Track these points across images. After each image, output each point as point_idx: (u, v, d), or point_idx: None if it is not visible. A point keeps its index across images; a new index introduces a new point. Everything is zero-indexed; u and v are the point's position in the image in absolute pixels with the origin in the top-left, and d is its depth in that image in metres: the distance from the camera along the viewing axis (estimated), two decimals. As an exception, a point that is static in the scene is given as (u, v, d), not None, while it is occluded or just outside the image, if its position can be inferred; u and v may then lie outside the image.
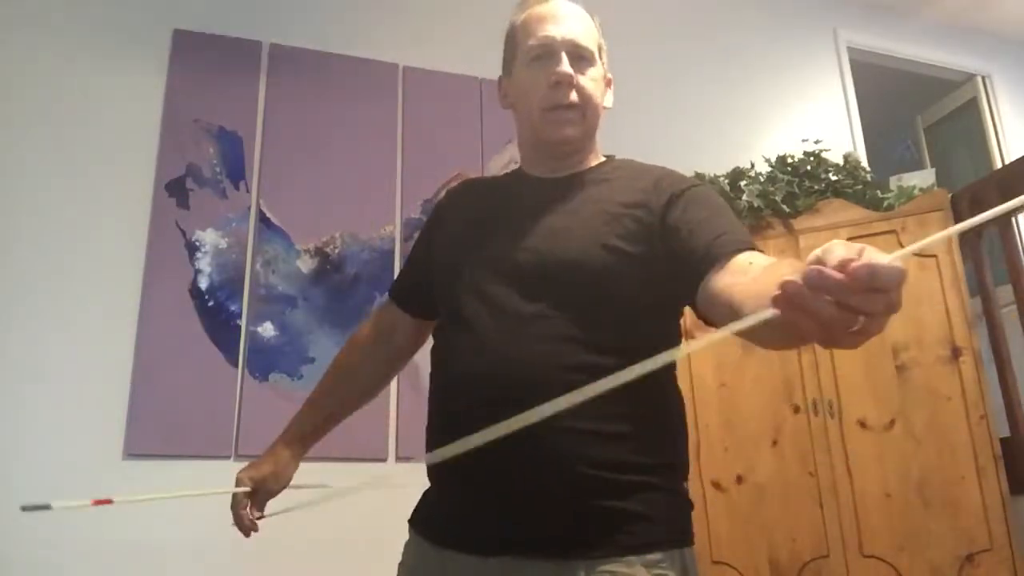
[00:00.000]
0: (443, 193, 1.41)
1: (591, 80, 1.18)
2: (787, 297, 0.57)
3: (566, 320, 1.05)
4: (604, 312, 1.06)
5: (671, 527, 1.05)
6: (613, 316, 1.06)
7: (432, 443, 1.15)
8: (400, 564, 1.15)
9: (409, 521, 1.16)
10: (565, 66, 1.16)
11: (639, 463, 1.03)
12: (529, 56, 1.19)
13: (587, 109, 1.18)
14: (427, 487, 1.17)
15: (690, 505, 1.11)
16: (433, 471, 1.15)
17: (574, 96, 1.16)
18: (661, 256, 1.07)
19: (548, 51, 1.17)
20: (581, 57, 1.18)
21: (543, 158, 1.24)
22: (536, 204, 1.17)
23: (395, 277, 1.44)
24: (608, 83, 1.26)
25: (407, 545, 1.16)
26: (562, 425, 1.01)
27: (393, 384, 2.50)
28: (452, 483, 1.10)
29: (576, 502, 1.01)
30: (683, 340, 1.23)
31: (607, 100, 1.25)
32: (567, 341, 1.04)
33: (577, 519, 1.00)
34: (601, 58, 1.22)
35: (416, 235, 1.43)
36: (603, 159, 1.26)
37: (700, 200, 1.10)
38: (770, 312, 0.58)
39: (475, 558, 1.03)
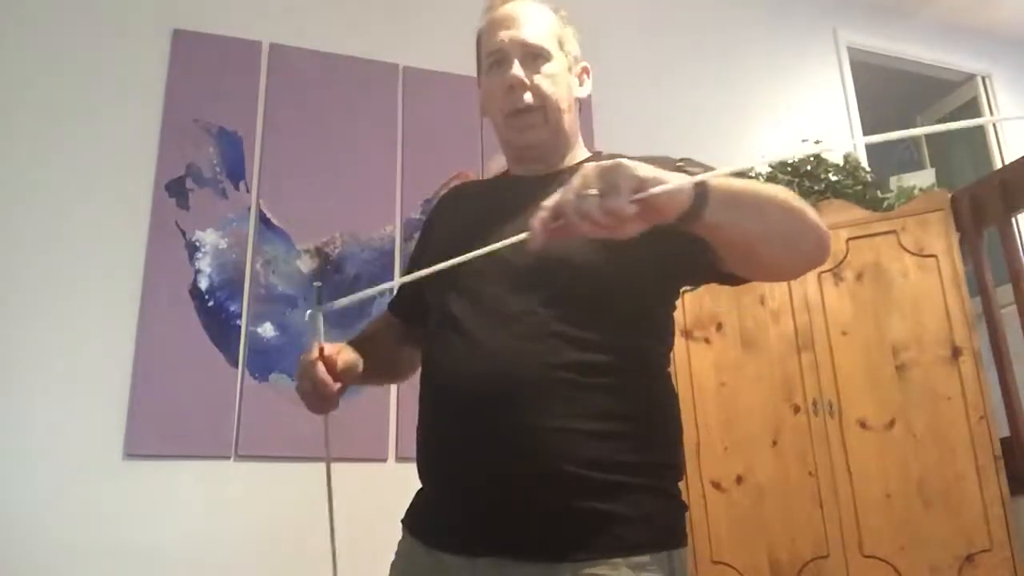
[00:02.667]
0: (437, 199, 1.41)
1: (547, 77, 1.17)
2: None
3: (555, 317, 1.05)
4: (594, 309, 1.06)
5: (660, 529, 1.04)
6: (603, 313, 1.06)
7: (423, 442, 1.15)
8: (392, 564, 1.15)
9: (402, 521, 1.16)
10: (516, 70, 1.17)
11: (630, 463, 1.03)
12: (487, 64, 1.22)
13: (547, 108, 1.18)
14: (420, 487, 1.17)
15: (683, 507, 1.10)
16: (423, 470, 1.15)
17: (529, 98, 1.17)
18: (654, 245, 1.06)
19: (501, 57, 1.19)
20: (536, 56, 1.18)
21: (521, 161, 1.25)
22: (524, 202, 1.17)
23: (396, 289, 1.43)
24: (584, 71, 1.25)
25: (399, 545, 1.16)
26: (553, 425, 1.01)
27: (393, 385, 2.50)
28: (443, 483, 1.10)
29: (564, 503, 1.00)
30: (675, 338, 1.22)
31: (581, 90, 1.25)
32: (556, 338, 1.04)
33: (564, 520, 1.00)
34: (564, 49, 1.21)
35: (416, 236, 1.43)
36: (589, 155, 1.26)
37: (695, 164, 1.10)
38: (525, 234, 0.81)
39: (465, 559, 1.03)
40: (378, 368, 1.27)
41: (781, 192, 0.97)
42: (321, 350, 1.09)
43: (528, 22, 1.19)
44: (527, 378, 1.02)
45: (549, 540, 1.00)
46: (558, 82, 1.18)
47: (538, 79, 1.17)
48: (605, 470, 1.01)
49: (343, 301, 1.05)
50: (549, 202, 0.79)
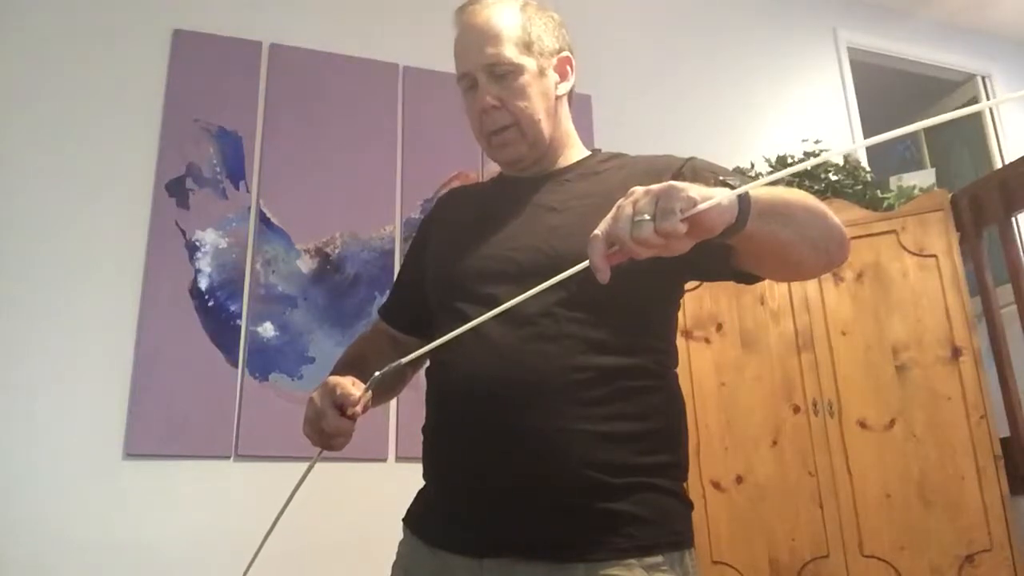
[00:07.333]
0: (434, 203, 1.39)
1: (517, 91, 1.16)
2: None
3: (570, 319, 1.05)
4: (608, 309, 1.05)
5: (672, 529, 1.04)
6: (617, 313, 1.06)
7: (429, 442, 1.14)
8: (394, 564, 1.15)
9: (403, 520, 1.16)
10: (484, 94, 1.17)
11: (643, 464, 1.03)
12: (460, 87, 1.22)
13: (521, 124, 1.17)
14: (422, 486, 1.17)
15: (690, 506, 1.10)
16: (429, 470, 1.15)
17: (501, 119, 1.17)
18: None
19: (468, 84, 1.20)
20: (502, 75, 1.16)
21: (512, 170, 1.25)
22: (526, 203, 1.17)
23: (388, 294, 1.40)
24: (564, 63, 1.23)
25: (401, 544, 1.15)
26: (567, 426, 1.01)
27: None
28: (451, 482, 1.10)
29: (577, 503, 1.00)
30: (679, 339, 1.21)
31: (563, 86, 1.23)
32: (571, 339, 1.04)
33: (577, 520, 1.00)
34: (533, 51, 1.18)
35: (410, 241, 1.42)
36: (587, 153, 1.25)
37: (706, 166, 1.09)
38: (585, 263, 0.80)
39: (471, 559, 1.02)
40: (381, 397, 1.23)
41: (802, 195, 0.98)
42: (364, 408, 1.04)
43: (489, 38, 1.17)
44: (542, 380, 1.02)
45: (560, 540, 0.99)
46: (529, 94, 1.17)
47: (508, 96, 1.16)
48: (618, 472, 1.01)
49: (403, 360, 1.01)
50: (601, 230, 0.78)
